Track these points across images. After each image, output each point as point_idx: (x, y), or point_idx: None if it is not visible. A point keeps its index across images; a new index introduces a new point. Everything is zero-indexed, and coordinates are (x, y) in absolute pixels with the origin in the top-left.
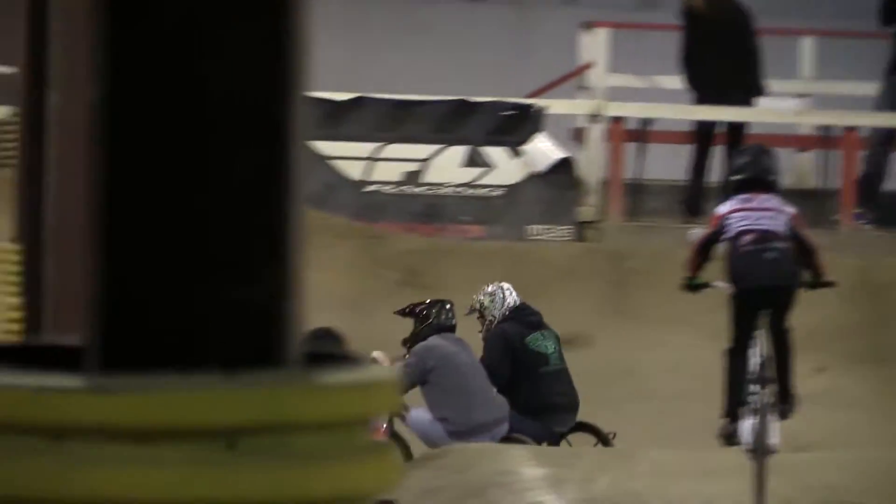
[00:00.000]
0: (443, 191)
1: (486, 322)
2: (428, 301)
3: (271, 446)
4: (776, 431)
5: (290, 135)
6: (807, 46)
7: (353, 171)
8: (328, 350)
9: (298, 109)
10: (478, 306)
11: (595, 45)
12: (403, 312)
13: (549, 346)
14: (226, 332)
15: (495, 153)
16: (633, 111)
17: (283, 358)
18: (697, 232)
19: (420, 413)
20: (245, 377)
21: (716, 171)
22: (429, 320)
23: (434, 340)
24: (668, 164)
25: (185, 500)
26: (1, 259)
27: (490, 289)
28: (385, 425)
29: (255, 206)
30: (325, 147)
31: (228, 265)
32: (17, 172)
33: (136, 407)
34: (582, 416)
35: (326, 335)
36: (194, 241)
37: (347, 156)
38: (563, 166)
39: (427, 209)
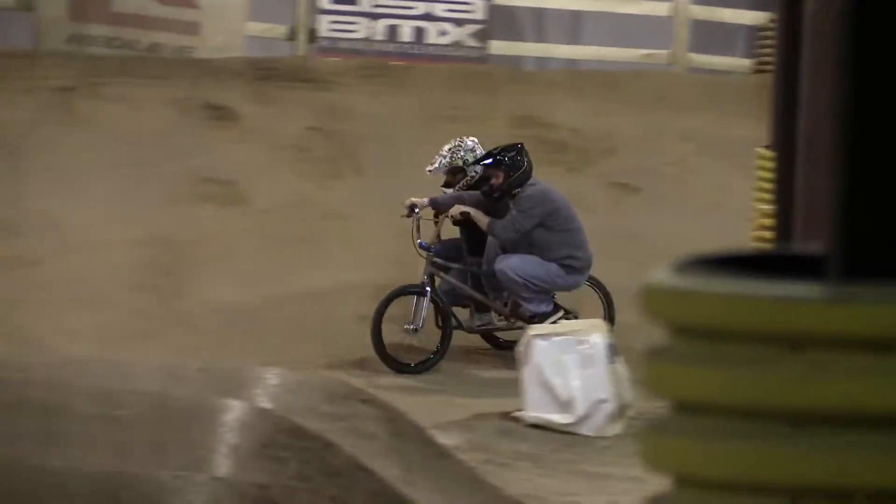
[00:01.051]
0: None
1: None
2: (515, 145)
3: None
4: None
5: None
6: None
7: None
8: None
9: None
10: (461, 163)
11: None
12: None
13: None
14: None
15: None
16: None
17: None
18: None
19: (518, 261)
20: None
21: None
22: (523, 167)
23: (544, 184)
24: None
25: None
26: (758, 165)
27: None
28: None
29: None
30: None
31: None
32: (774, 79)
33: (877, 317)
34: None
35: None
36: None
37: None
38: None
39: None
